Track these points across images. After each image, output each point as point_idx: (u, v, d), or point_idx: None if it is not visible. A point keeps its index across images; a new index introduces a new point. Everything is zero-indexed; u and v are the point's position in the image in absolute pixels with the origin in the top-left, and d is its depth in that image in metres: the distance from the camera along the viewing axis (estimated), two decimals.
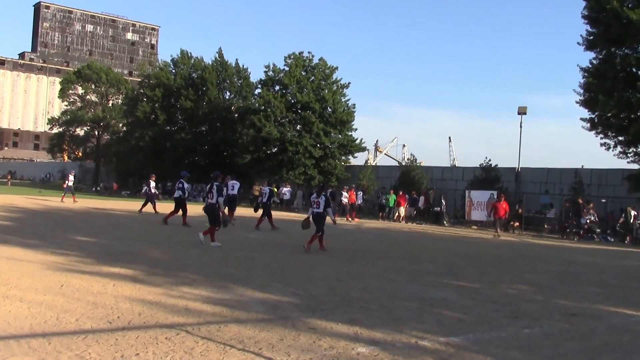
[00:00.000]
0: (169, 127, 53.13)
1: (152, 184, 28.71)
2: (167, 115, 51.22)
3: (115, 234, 16.38)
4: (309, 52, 45.46)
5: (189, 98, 49.42)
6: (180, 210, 21.83)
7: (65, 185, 33.33)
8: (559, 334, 7.12)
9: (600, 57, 28.98)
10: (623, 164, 29.83)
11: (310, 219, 15.43)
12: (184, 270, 10.30)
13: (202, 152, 50.27)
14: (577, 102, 29.54)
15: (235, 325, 6.64)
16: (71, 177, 33.44)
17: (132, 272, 9.78)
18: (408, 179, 37.21)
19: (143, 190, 31.03)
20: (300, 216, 32.00)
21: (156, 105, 51.49)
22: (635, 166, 29.22)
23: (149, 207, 26.71)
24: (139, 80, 58.36)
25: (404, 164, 52.35)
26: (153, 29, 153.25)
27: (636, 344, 6.83)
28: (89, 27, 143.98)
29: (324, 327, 6.76)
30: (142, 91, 54.73)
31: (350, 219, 31.14)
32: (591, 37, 28.79)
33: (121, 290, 8.23)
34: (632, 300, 9.95)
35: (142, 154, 51.27)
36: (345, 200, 32.85)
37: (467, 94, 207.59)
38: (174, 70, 53.32)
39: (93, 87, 63.65)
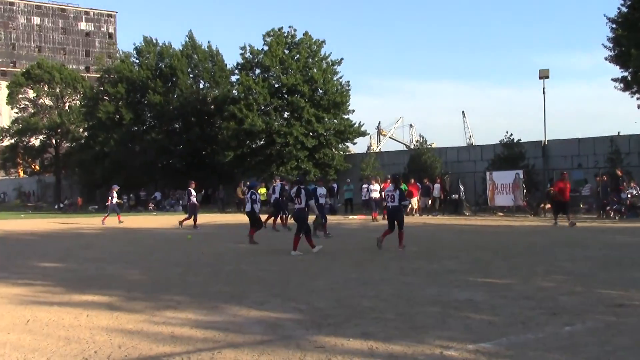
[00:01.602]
0: (136, 128, 53.14)
1: (114, 194, 29.20)
2: (133, 113, 51.23)
3: (85, 256, 16.37)
4: (290, 27, 45.50)
5: (157, 91, 49.41)
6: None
7: (109, 203, 31.81)
8: (605, 329, 7.13)
9: (629, 3, 28.95)
10: None
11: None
12: (167, 292, 10.30)
13: (177, 152, 50.32)
14: (606, 59, 29.59)
15: (231, 351, 6.65)
16: (115, 193, 32.06)
17: (108, 299, 9.77)
18: (419, 164, 37.28)
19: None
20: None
21: (120, 103, 51.50)
22: None
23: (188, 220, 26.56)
24: (98, 76, 58.42)
25: (412, 147, 52.43)
26: (109, 15, 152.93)
27: None
28: (36, 20, 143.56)
29: (334, 345, 6.77)
30: (102, 88, 54.77)
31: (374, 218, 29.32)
32: None
33: (96, 321, 8.23)
34: None
35: (109, 161, 51.28)
36: (375, 194, 30.38)
37: (479, 60, 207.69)
38: (137, 61, 53.28)
39: (46, 88, 63.52)
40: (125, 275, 12.51)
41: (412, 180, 33.90)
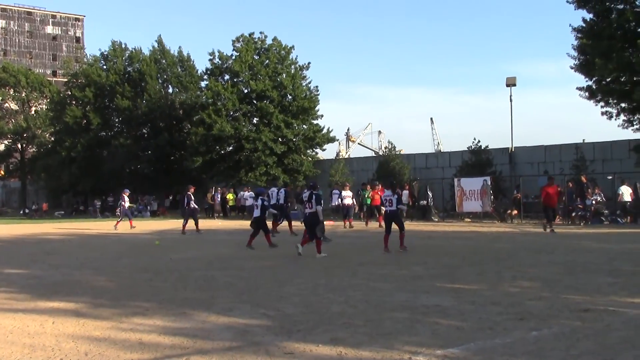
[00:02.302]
0: (104, 133, 52.80)
1: (126, 198, 29.11)
2: (101, 118, 50.86)
3: (50, 262, 16.18)
4: (260, 33, 45.46)
5: (125, 96, 49.09)
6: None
7: (121, 208, 31.08)
8: (570, 334, 7.21)
9: (595, 12, 29.38)
10: (629, 134, 30.38)
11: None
12: (135, 299, 10.22)
13: (146, 158, 49.99)
14: (571, 68, 29.97)
15: (200, 357, 6.61)
16: (126, 198, 31.24)
17: (74, 306, 9.67)
18: (387, 170, 37.39)
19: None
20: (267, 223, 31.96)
21: (88, 107, 51.13)
22: None
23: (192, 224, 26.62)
24: (65, 80, 57.84)
25: (381, 153, 52.64)
26: (77, 19, 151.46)
27: None
28: (1, 23, 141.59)
29: (303, 351, 6.76)
30: (69, 93, 54.33)
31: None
32: None
33: (62, 328, 8.14)
34: None
35: (75, 167, 50.84)
36: (348, 200, 29.65)
37: (448, 68, 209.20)
38: (105, 66, 52.90)
39: (11, 92, 62.80)
40: (92, 282, 12.38)
41: (380, 186, 33.94)
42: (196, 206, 26.77)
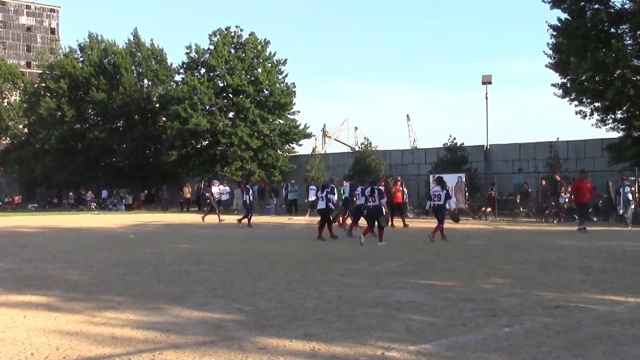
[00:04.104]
0: (79, 125, 52.43)
1: (215, 189, 29.09)
2: (76, 110, 50.48)
3: (22, 255, 16.04)
4: (237, 27, 45.33)
5: (100, 88, 48.77)
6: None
7: (212, 199, 30.83)
8: (541, 330, 7.29)
9: (570, 12, 29.67)
10: (602, 132, 30.72)
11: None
12: (108, 293, 10.16)
13: (121, 151, 49.64)
14: (547, 66, 30.23)
15: (172, 352, 6.59)
16: (215, 189, 31.05)
17: (46, 299, 9.59)
18: (363, 166, 37.47)
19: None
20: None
21: (62, 99, 50.62)
22: (615, 134, 30.10)
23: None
24: (40, 72, 57.26)
25: (357, 149, 52.72)
26: (52, 10, 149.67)
27: (626, 334, 7.04)
28: None
29: (276, 346, 6.76)
30: (44, 84, 53.74)
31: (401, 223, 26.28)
32: None
33: (34, 322, 8.06)
34: (619, 286, 10.27)
35: (49, 159, 50.38)
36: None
37: (424, 65, 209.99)
38: (81, 58, 52.47)
39: None
40: (65, 275, 12.28)
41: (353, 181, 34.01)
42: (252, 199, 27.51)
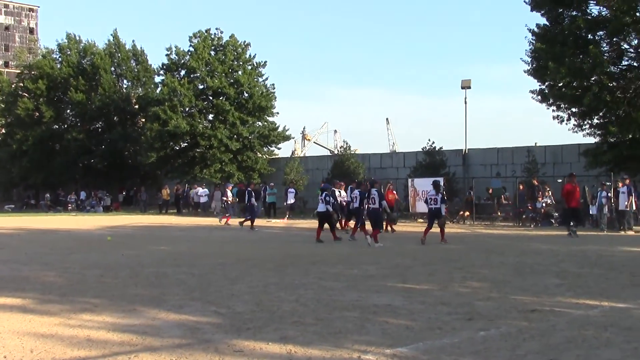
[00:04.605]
0: (57, 126, 52.10)
1: (229, 193, 28.71)
2: (54, 111, 50.13)
3: None
4: (217, 29, 45.22)
5: (79, 89, 48.47)
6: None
7: (224, 204, 30.65)
8: (517, 334, 7.33)
9: (548, 17, 29.94)
10: (579, 138, 31.00)
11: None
12: (84, 295, 10.09)
13: (99, 152, 49.37)
14: (525, 72, 30.47)
15: (148, 354, 6.56)
16: (229, 192, 30.60)
17: (21, 301, 9.50)
18: (342, 169, 37.52)
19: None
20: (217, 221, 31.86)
21: (40, 100, 50.24)
22: (591, 140, 30.37)
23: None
24: (18, 72, 56.80)
25: (336, 152, 52.79)
26: (31, 9, 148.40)
27: (600, 338, 7.11)
28: None
29: (252, 349, 6.75)
30: (22, 84, 53.25)
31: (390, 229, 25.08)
32: None
33: (8, 324, 7.98)
34: (594, 290, 10.36)
35: (27, 160, 49.96)
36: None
37: (404, 69, 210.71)
38: (59, 58, 52.10)
39: None
40: (41, 277, 12.17)
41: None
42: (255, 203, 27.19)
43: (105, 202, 46.68)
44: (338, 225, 23.49)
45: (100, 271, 12.95)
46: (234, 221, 28.68)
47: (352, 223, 22.70)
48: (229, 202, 30.16)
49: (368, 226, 19.62)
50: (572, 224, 22.28)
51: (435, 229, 19.66)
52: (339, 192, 24.00)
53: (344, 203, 23.73)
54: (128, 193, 50.23)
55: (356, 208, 21.71)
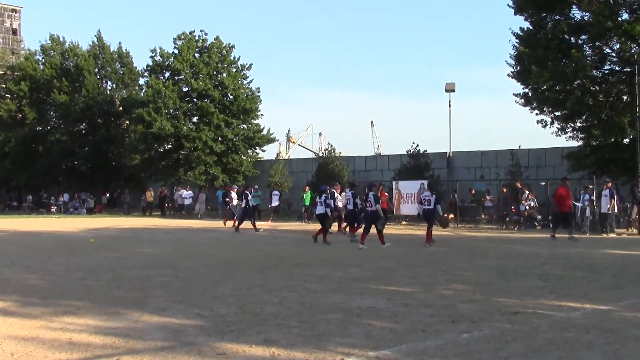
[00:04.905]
0: (40, 127, 51.81)
1: (234, 195, 28.83)
2: (37, 112, 49.85)
3: None
4: (201, 31, 45.12)
5: (62, 91, 48.19)
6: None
7: (230, 207, 29.53)
8: (500, 336, 7.36)
9: (531, 21, 30.13)
10: (562, 141, 31.16)
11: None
12: (66, 297, 10.02)
13: (82, 154, 49.10)
14: (509, 75, 30.63)
15: (130, 357, 6.52)
16: (234, 194, 29.58)
17: (2, 304, 9.42)
18: (327, 172, 37.52)
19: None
20: (205, 223, 31.78)
21: (23, 101, 49.94)
22: (574, 143, 30.57)
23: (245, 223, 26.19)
24: (0, 73, 56.37)
25: (321, 155, 52.80)
26: (13, 10, 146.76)
27: (582, 340, 7.15)
28: None
29: (236, 351, 6.74)
30: (4, 86, 52.89)
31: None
32: (520, 1, 29.84)
33: None
34: (576, 292, 10.42)
35: (9, 161, 49.68)
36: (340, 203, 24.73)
37: (389, 72, 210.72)
38: (42, 59, 51.82)
39: None
40: (23, 280, 12.09)
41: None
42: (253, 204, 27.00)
43: (88, 204, 46.43)
44: (335, 227, 23.62)
45: (82, 274, 12.87)
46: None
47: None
48: (234, 205, 29.54)
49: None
50: (559, 228, 22.46)
51: (422, 231, 19.85)
52: (337, 194, 24.06)
53: (341, 205, 23.83)
54: (112, 195, 49.98)
55: (350, 210, 22.05)
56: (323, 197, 21.18)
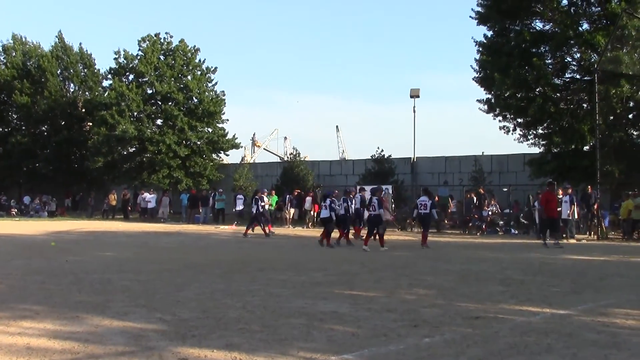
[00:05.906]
0: (0, 129, 50.94)
1: (265, 199, 27.61)
2: None
3: None
4: (166, 33, 44.86)
5: (24, 92, 47.48)
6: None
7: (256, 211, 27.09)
8: (461, 340, 7.40)
9: (495, 30, 30.52)
10: (524, 147, 31.61)
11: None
12: (25, 301, 9.86)
13: (44, 156, 48.42)
14: (473, 79, 30.95)
15: None
16: (265, 198, 27.92)
17: None
18: (291, 176, 37.54)
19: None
20: (169, 227, 31.58)
21: None
22: (536, 150, 31.00)
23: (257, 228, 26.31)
24: None
25: (286, 159, 52.77)
26: None
27: (541, 344, 7.22)
28: None
29: (197, 356, 6.68)
30: None
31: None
32: (483, 10, 30.23)
33: None
34: (536, 297, 10.53)
35: None
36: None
37: (354, 77, 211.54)
38: (3, 59, 51.05)
39: None
40: None
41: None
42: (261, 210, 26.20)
43: (50, 206, 45.79)
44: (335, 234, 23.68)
45: (42, 277, 12.68)
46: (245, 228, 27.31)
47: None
48: (266, 208, 28.20)
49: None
50: (549, 236, 22.29)
51: (390, 236, 20.08)
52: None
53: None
54: (75, 198, 49.38)
55: (342, 215, 22.28)
56: (328, 201, 21.64)
